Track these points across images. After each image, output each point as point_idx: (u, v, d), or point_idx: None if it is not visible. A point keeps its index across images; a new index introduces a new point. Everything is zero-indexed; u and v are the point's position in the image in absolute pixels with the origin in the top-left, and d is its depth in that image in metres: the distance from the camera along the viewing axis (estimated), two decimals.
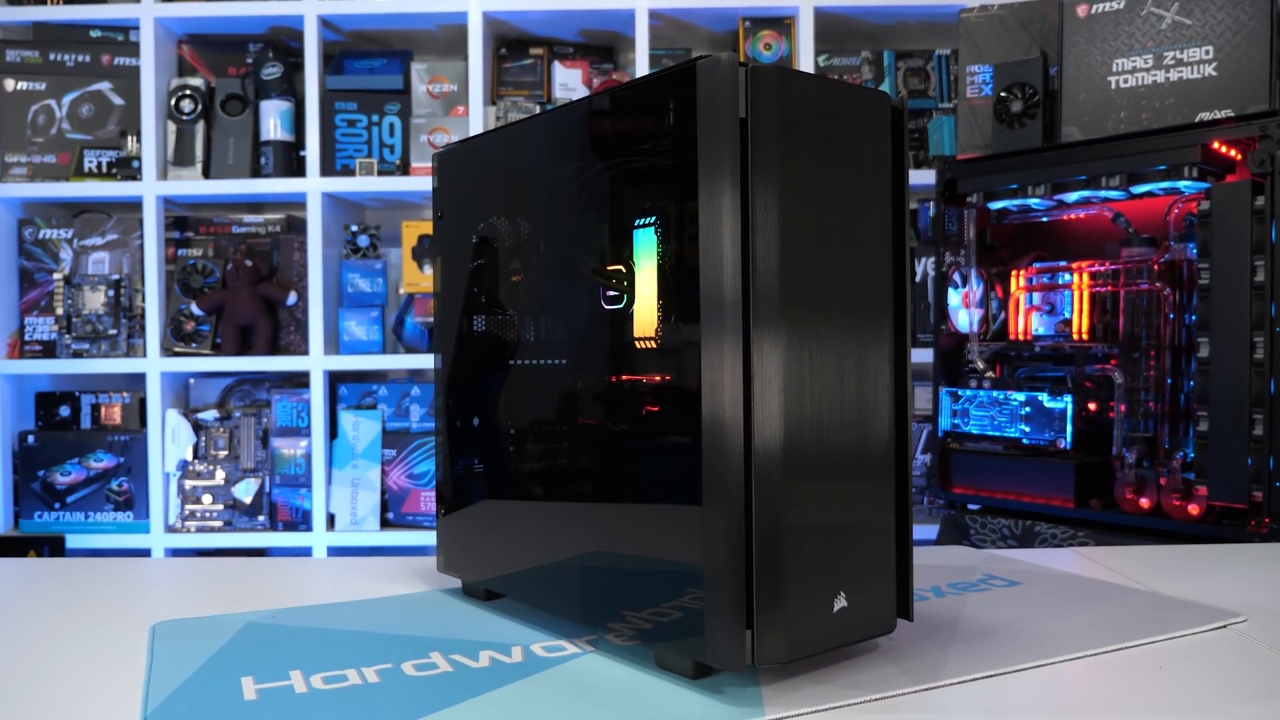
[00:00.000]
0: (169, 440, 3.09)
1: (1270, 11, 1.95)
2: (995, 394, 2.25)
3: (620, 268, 1.25)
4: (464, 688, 0.92)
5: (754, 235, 0.87)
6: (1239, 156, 1.97)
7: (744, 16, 3.13)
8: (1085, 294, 2.18)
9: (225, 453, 3.14)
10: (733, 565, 0.87)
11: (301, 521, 3.10)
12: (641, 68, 3.02)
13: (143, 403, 3.13)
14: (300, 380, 3.23)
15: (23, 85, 3.18)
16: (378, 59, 3.24)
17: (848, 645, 0.96)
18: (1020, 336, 2.29)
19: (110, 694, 0.92)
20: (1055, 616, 1.15)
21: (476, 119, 3.06)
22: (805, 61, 3.02)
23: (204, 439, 3.14)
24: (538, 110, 3.12)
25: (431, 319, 3.09)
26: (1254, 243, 1.88)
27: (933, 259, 2.91)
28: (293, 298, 3.11)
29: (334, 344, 3.14)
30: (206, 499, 3.11)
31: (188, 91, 3.12)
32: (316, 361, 3.05)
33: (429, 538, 3.04)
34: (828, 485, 0.91)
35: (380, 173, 3.11)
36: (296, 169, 3.14)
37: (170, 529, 3.10)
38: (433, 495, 3.06)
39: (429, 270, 3.10)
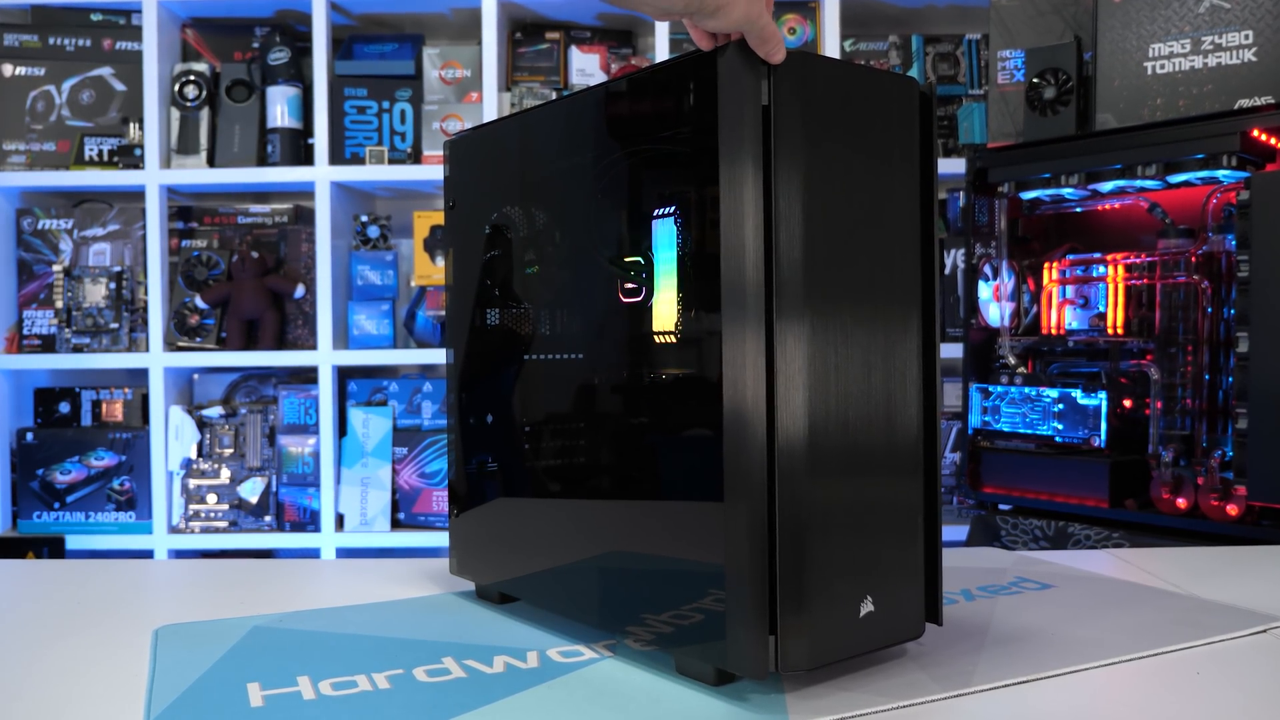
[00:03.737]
0: (172, 438, 3.10)
1: None
2: (1027, 390, 2.24)
3: (639, 259, 1.26)
4: (478, 694, 0.92)
5: (777, 225, 0.87)
6: (1279, 145, 1.96)
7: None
8: (1120, 287, 2.17)
9: (230, 451, 3.15)
10: (755, 567, 0.87)
11: (309, 522, 3.10)
12: (661, 53, 3.01)
13: (145, 399, 3.14)
14: (308, 376, 3.23)
15: (21, 70, 3.19)
16: (388, 43, 3.24)
17: (875, 651, 0.96)
18: (1053, 331, 2.28)
19: (112, 700, 0.93)
20: (1089, 621, 1.15)
21: (491, 105, 3.06)
22: (831, 46, 3.01)
23: (208, 437, 3.15)
24: (554, 96, 3.12)
25: (444, 312, 3.09)
26: None
27: (962, 251, 2.90)
28: (300, 290, 3.12)
29: (343, 338, 3.14)
30: (211, 499, 3.12)
31: (192, 77, 3.13)
32: (325, 356, 3.05)
33: (441, 539, 3.05)
34: (854, 485, 0.91)
35: (391, 161, 3.11)
36: (304, 157, 3.15)
37: (174, 530, 3.11)
38: (445, 495, 3.06)
39: (441, 262, 3.10)
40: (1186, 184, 2.09)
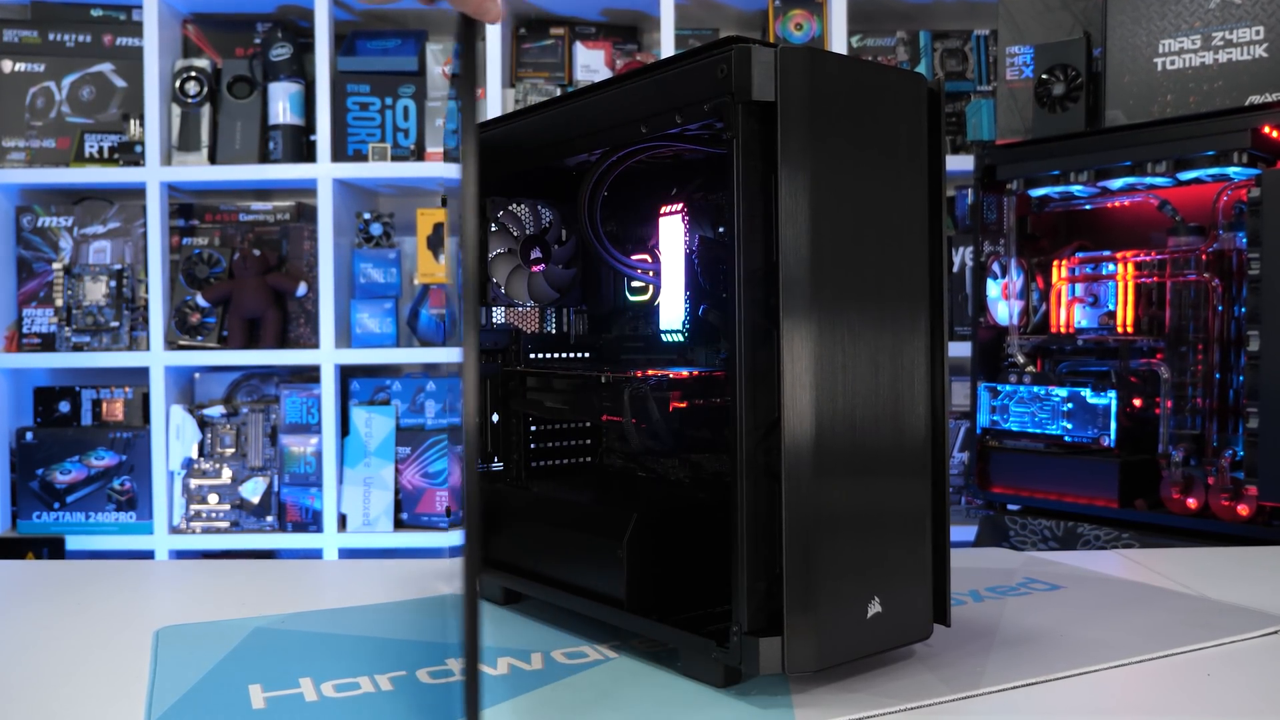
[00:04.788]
0: (173, 437, 3.10)
1: None
2: (1036, 389, 2.24)
3: (646, 257, 1.26)
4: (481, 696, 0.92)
5: (782, 223, 0.87)
6: None
7: None
8: (1130, 285, 2.17)
9: (232, 450, 3.15)
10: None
11: (311, 522, 3.11)
12: (667, 49, 3.01)
13: (146, 398, 3.15)
14: (310, 375, 3.23)
15: (20, 66, 3.19)
16: (391, 39, 3.25)
17: (882, 652, 0.96)
18: (1062, 329, 2.28)
19: (112, 702, 0.93)
20: (1098, 622, 1.15)
21: (495, 102, 3.07)
22: (838, 42, 3.01)
23: (210, 436, 3.15)
24: (558, 93, 3.12)
25: (447, 310, 3.09)
26: None
27: (971, 248, 2.90)
28: (302, 288, 3.12)
29: (345, 337, 3.14)
30: (212, 499, 3.12)
31: (193, 73, 3.13)
32: (327, 355, 3.05)
33: (445, 539, 3.05)
34: (861, 484, 0.91)
35: (394, 158, 3.12)
36: (306, 154, 3.15)
37: (174, 530, 3.11)
38: (448, 495, 3.06)
39: (444, 259, 3.10)
40: (1197, 181, 2.09)
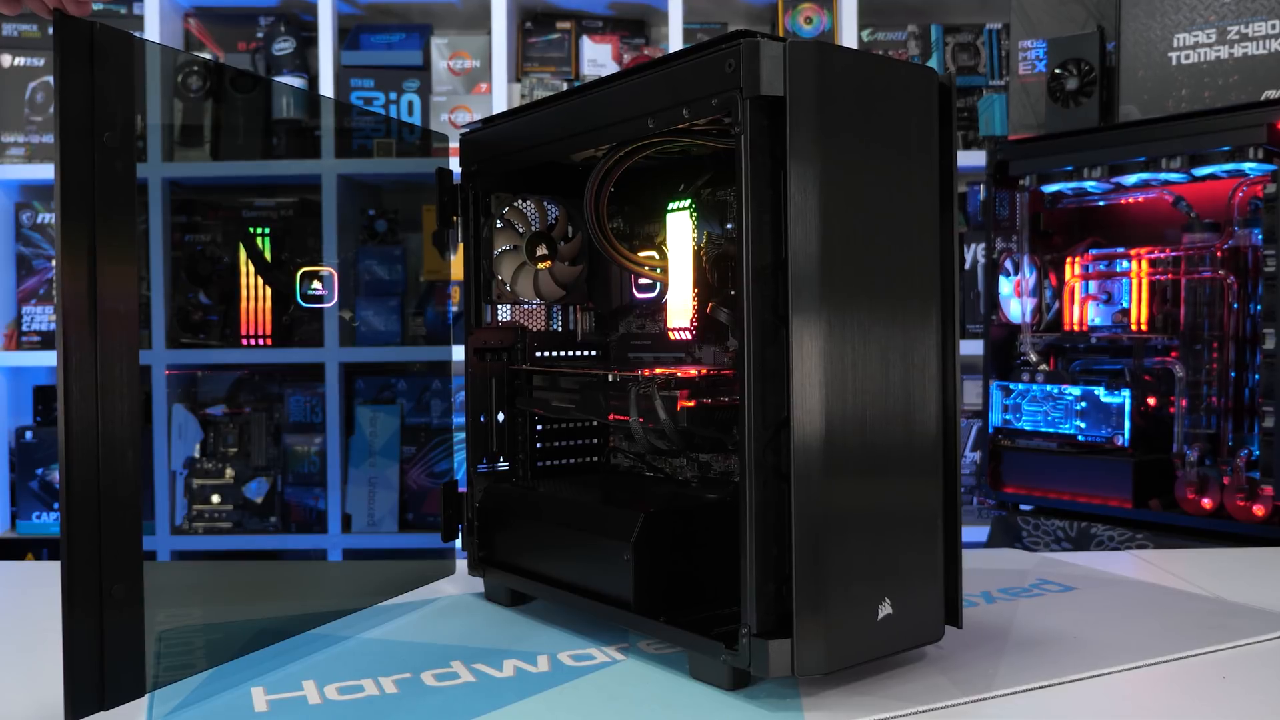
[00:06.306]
0: (175, 437, 3.10)
1: None
2: (1049, 388, 2.24)
3: (653, 254, 1.25)
4: (487, 699, 0.93)
5: (791, 219, 0.87)
6: None
7: None
8: (1144, 282, 2.16)
9: (235, 450, 3.15)
10: None
11: (315, 522, 3.10)
12: (675, 43, 3.01)
13: (148, 397, 3.15)
14: (314, 373, 3.23)
15: (20, 61, 3.19)
16: (396, 33, 3.24)
17: (893, 654, 0.96)
18: (1075, 327, 2.28)
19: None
20: (1113, 624, 1.15)
21: (500, 97, 3.06)
22: (848, 36, 3.01)
23: (212, 435, 3.15)
24: (565, 87, 3.12)
25: (454, 308, 3.09)
26: None
27: (983, 245, 2.90)
28: None
29: (350, 335, 3.14)
30: (215, 499, 3.12)
31: (195, 68, 3.13)
32: (331, 353, 3.05)
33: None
34: (872, 485, 0.91)
35: (399, 153, 3.11)
36: (310, 150, 3.15)
37: (177, 530, 3.11)
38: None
39: (451, 257, 3.10)
40: (1212, 177, 2.08)
